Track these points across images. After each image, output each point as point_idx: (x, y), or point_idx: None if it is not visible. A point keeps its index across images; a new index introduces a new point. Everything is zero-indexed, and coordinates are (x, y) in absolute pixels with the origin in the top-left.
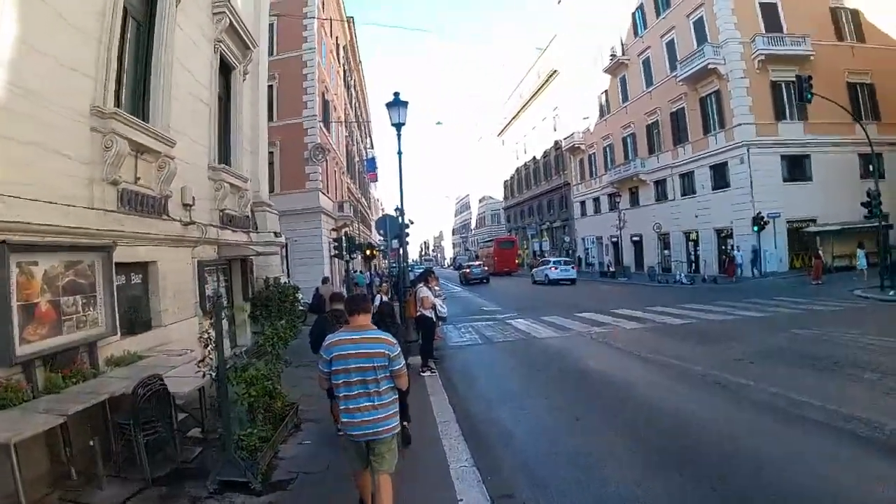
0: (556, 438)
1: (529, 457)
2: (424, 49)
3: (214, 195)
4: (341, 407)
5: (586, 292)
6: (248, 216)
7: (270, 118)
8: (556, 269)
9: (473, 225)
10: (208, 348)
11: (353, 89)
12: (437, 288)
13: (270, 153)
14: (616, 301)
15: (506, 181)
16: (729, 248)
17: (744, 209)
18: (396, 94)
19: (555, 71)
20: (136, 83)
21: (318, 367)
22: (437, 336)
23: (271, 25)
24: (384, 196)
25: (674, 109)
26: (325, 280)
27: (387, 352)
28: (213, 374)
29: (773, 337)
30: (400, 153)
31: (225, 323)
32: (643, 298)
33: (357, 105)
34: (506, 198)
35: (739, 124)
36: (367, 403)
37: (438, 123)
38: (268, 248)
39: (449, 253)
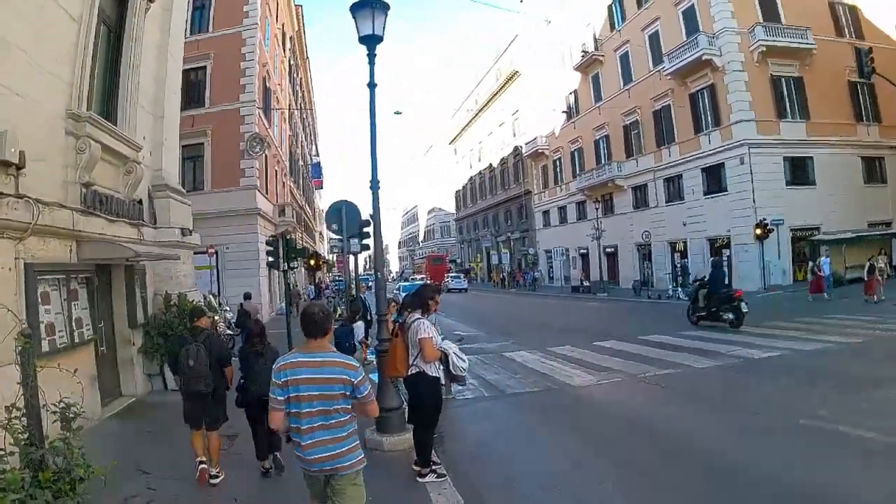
0: None
1: None
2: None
3: (75, 159)
4: (295, 439)
5: (581, 313)
6: (138, 202)
7: (201, 103)
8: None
9: (421, 237)
10: None
11: (298, 87)
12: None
13: (200, 144)
14: (630, 324)
15: (458, 191)
16: (817, 256)
17: (743, 215)
18: None
19: (515, 72)
20: None
21: (271, 394)
22: None
23: None
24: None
25: (657, 108)
26: (247, 296)
27: (349, 378)
28: None
29: None
30: (374, 85)
31: (89, 360)
32: (657, 319)
33: (303, 105)
34: (458, 209)
35: (739, 121)
36: (327, 437)
37: (397, 113)
38: (170, 249)
39: (395, 266)
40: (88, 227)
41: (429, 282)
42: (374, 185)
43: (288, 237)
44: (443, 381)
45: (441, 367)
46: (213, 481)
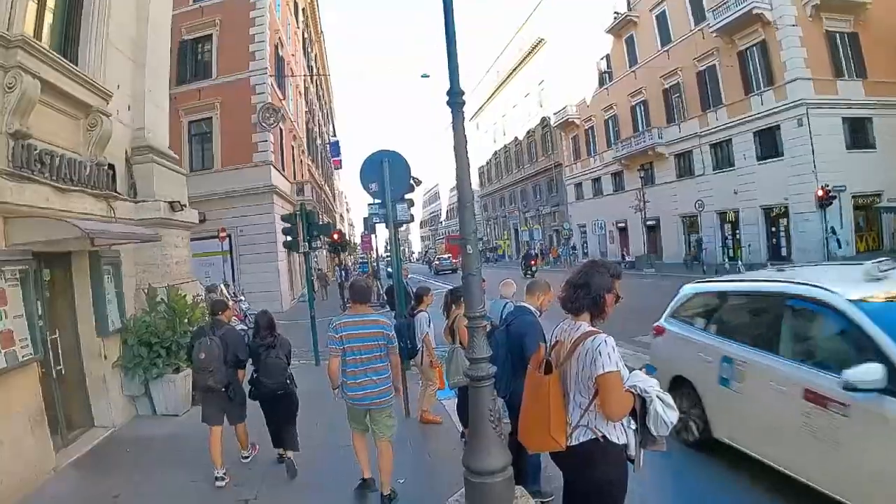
0: None
1: None
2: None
3: (0, 100)
4: (346, 380)
5: (641, 292)
6: (108, 168)
7: (208, 75)
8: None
9: (443, 217)
10: None
11: (313, 62)
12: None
13: (208, 119)
14: None
15: (481, 167)
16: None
17: (803, 182)
18: None
19: (541, 40)
20: None
21: (329, 344)
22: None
23: None
24: (350, 191)
25: (701, 68)
26: (211, 288)
27: (385, 331)
28: None
29: None
30: None
31: (29, 391)
32: None
33: (318, 82)
34: (482, 185)
35: (795, 79)
36: (367, 378)
37: (424, 76)
38: (155, 227)
39: (416, 247)
40: (22, 197)
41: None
42: (455, 97)
43: (309, 210)
44: (631, 452)
45: (633, 426)
46: (245, 460)
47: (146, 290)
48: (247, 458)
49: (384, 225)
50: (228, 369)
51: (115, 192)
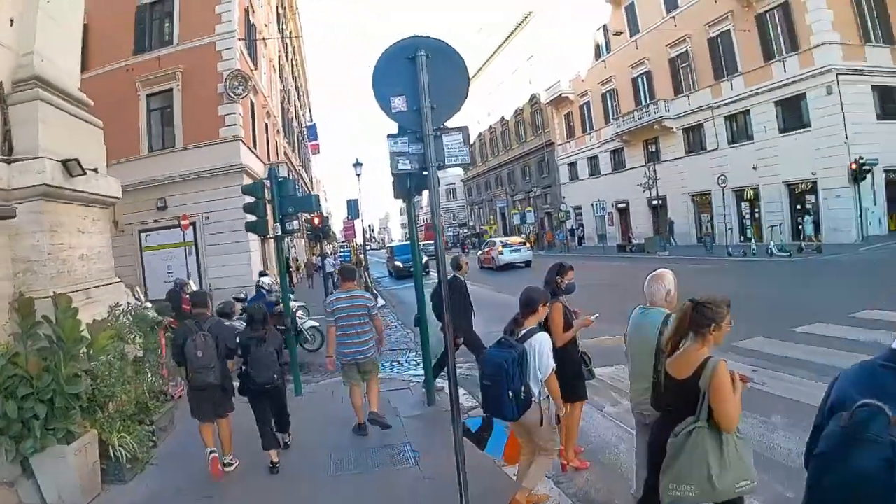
0: None
1: None
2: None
3: None
4: (339, 341)
5: (685, 281)
6: None
7: (169, 41)
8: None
9: (424, 203)
10: None
11: (288, 40)
12: None
13: (168, 91)
14: (792, 292)
15: None
16: None
17: (833, 155)
18: None
19: (529, 13)
20: None
21: (325, 318)
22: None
23: None
24: (328, 180)
25: (713, 34)
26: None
27: (367, 304)
28: None
29: None
30: None
31: None
32: (816, 285)
33: (294, 62)
34: (465, 169)
35: (822, 43)
36: (355, 340)
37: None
38: (39, 200)
39: (396, 235)
40: None
41: None
42: None
43: (280, 178)
44: None
45: None
46: (227, 469)
47: (15, 303)
48: (229, 466)
49: (411, 177)
50: (221, 362)
51: None
